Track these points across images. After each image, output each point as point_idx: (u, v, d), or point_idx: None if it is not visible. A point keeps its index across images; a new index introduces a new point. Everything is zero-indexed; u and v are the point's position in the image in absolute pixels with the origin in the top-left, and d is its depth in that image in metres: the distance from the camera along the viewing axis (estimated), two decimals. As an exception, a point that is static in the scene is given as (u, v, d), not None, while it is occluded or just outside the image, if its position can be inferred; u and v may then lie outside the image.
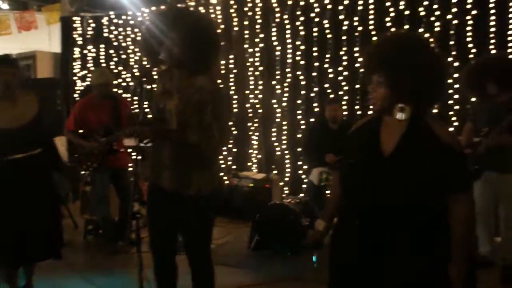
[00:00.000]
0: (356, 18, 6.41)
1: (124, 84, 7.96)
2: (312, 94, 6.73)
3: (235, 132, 7.15)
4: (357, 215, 2.18)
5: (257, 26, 6.93)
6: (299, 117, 6.82)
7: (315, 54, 6.65)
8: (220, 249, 5.11)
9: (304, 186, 6.54)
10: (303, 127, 6.77)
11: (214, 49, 3.01)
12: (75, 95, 8.25)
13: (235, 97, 7.11)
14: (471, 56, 5.94)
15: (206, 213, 3.05)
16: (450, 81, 6.08)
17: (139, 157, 3.30)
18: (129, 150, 5.43)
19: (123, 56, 8.00)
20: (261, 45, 6.92)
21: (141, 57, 7.55)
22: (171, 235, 3.14)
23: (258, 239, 4.91)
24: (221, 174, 6.75)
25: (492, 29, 5.84)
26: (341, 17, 6.46)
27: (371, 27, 6.36)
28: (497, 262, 4.40)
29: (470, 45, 5.96)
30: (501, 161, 4.08)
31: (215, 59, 3.08)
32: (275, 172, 6.85)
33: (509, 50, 5.61)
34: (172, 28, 2.86)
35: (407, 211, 2.06)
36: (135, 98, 7.59)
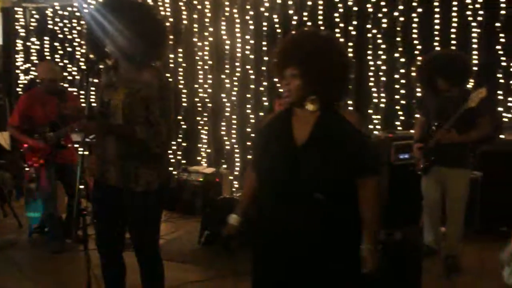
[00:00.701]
0: (305, 13, 6.46)
1: (70, 78, 7.74)
2: (262, 89, 6.74)
3: (184, 127, 7.09)
4: (273, 206, 2.23)
5: (206, 20, 6.86)
6: (248, 111, 6.82)
7: (264, 48, 6.66)
8: (169, 244, 5.06)
9: (254, 180, 6.54)
10: (252, 121, 6.78)
11: (161, 42, 2.96)
12: (18, 89, 7.96)
13: (184, 91, 7.04)
14: (416, 52, 6.10)
15: (153, 210, 3.02)
16: (396, 76, 6.24)
17: (85, 152, 3.22)
18: (76, 145, 5.29)
19: (69, 49, 7.77)
20: (210, 39, 6.87)
21: (87, 50, 7.36)
22: (118, 232, 3.08)
23: (208, 234, 4.88)
24: (170, 169, 6.69)
25: (436, 27, 6.02)
26: (291, 12, 6.49)
27: (320, 22, 6.43)
28: (441, 251, 4.55)
29: (416, 42, 6.13)
30: (449, 156, 4.21)
31: (161, 51, 3.03)
32: (224, 166, 6.84)
33: (452, 47, 5.78)
34: (116, 20, 2.79)
35: (325, 195, 2.13)
36: (82, 92, 7.39)
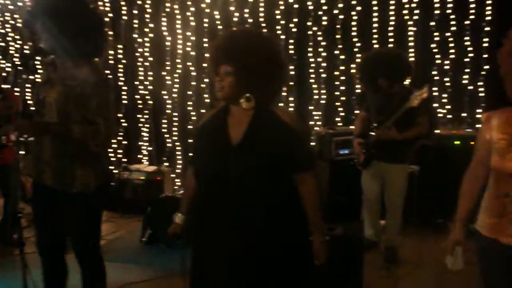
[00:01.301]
0: (246, 10, 6.46)
1: (3, 74, 7.42)
2: (203, 86, 6.71)
3: (124, 124, 6.94)
4: (209, 207, 2.24)
5: (147, 16, 6.75)
6: (189, 108, 6.77)
7: (205, 45, 6.62)
8: (111, 245, 4.95)
9: (196, 178, 6.50)
10: (194, 118, 6.73)
11: (99, 37, 2.88)
12: None
13: (124, 88, 6.90)
14: (356, 49, 6.23)
15: (92, 211, 2.94)
16: (336, 73, 6.35)
17: (22, 152, 3.09)
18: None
19: (2, 44, 7.45)
20: (151, 35, 6.76)
21: (22, 45, 7.07)
22: (58, 234, 2.98)
23: (150, 233, 4.81)
24: (111, 168, 6.54)
25: (375, 25, 6.16)
26: (232, 8, 6.48)
27: (261, 19, 6.45)
28: (381, 244, 4.68)
29: (355, 39, 6.25)
30: (388, 151, 4.33)
31: (100, 47, 2.95)
32: (166, 164, 6.75)
33: (390, 45, 5.93)
34: (52, 15, 2.69)
35: (259, 196, 2.15)
36: (16, 89, 7.10)
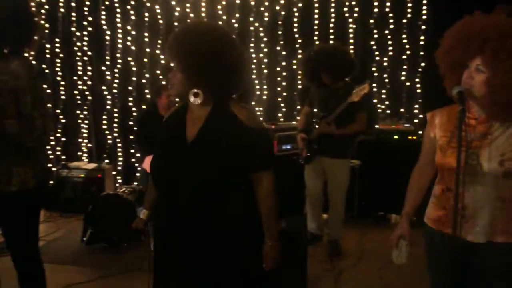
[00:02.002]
0: (188, 5, 6.40)
1: None
2: (144, 81, 6.59)
3: (63, 121, 6.73)
4: (166, 204, 2.21)
5: (85, 8, 6.54)
6: (130, 104, 6.64)
7: (146, 40, 6.51)
8: (50, 245, 4.79)
9: (137, 174, 6.40)
10: (134, 114, 6.60)
11: (29, 29, 2.76)
12: None
13: (62, 83, 6.67)
14: (297, 46, 6.29)
15: (29, 210, 2.81)
16: (278, 69, 6.40)
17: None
18: None
19: None
20: (89, 28, 6.57)
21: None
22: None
23: (92, 232, 4.67)
24: (49, 165, 6.33)
25: (316, 22, 6.24)
26: (173, 3, 6.39)
27: (203, 14, 6.40)
28: (324, 237, 4.78)
29: (296, 36, 6.31)
30: (330, 146, 4.39)
31: (30, 40, 2.82)
32: (107, 161, 6.59)
33: (330, 42, 6.02)
34: None
35: (210, 194, 2.12)
36: None
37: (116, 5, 6.48)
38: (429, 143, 2.24)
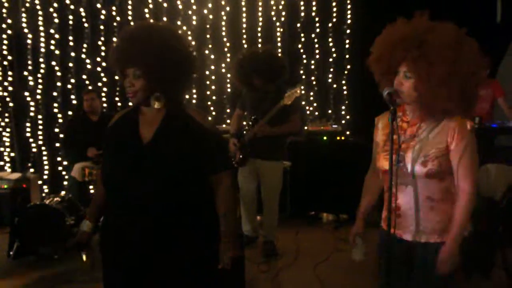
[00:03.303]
0: (114, 8, 6.27)
1: None
2: (69, 86, 6.40)
3: (-18, 129, 6.40)
4: (119, 209, 2.16)
5: (4, 10, 6.25)
6: (55, 110, 6.42)
7: (71, 43, 6.32)
8: (-27, 262, 4.54)
9: (65, 183, 6.19)
10: (60, 121, 6.39)
11: None
12: None
13: (-20, 89, 6.34)
14: (226, 49, 6.33)
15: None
16: (207, 72, 6.40)
17: None
18: None
19: None
20: (9, 31, 6.28)
21: None
22: None
23: (19, 245, 4.47)
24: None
25: (244, 25, 6.30)
26: (98, 6, 6.24)
27: (130, 17, 6.31)
28: (259, 239, 4.81)
29: (225, 39, 6.34)
30: (263, 148, 4.44)
31: None
32: (32, 170, 6.32)
33: (259, 45, 6.10)
34: None
35: (171, 196, 2.11)
36: None
37: (38, 7, 6.25)
38: (374, 148, 2.32)
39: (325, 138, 5.75)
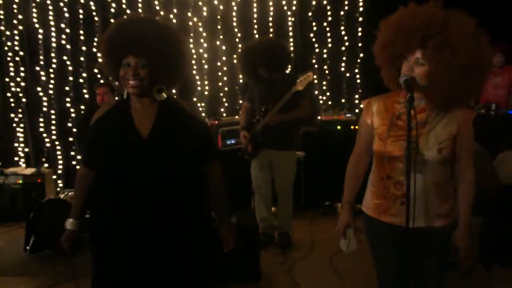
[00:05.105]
0: (124, 1, 6.25)
1: None
2: (81, 80, 6.40)
3: (-4, 125, 6.42)
4: (119, 202, 2.14)
5: (14, 6, 6.27)
6: (68, 105, 6.43)
7: (82, 37, 6.31)
8: (-9, 257, 4.57)
9: (79, 177, 6.20)
10: (73, 115, 6.41)
11: None
12: None
13: (-7, 85, 6.37)
14: (237, 40, 6.28)
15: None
16: (218, 63, 6.36)
17: None
18: None
19: None
20: (20, 27, 6.29)
21: None
22: None
23: (35, 240, 4.50)
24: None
25: (255, 15, 6.24)
26: (109, -1, 6.24)
27: (140, 10, 6.28)
28: (273, 229, 4.77)
29: (236, 30, 6.29)
30: (276, 139, 4.40)
31: None
32: (46, 165, 6.35)
33: (270, 35, 6.05)
34: None
35: (170, 189, 2.12)
36: None
37: (48, 2, 6.24)
38: (365, 131, 2.25)
39: (338, 127, 5.70)
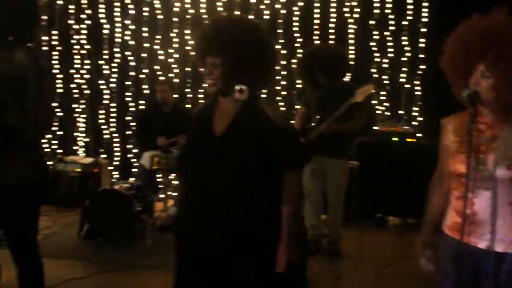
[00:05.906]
0: (188, 0, 6.36)
1: None
2: (142, 76, 6.54)
3: (60, 114, 6.65)
4: (192, 198, 2.18)
5: (84, 1, 6.49)
6: (128, 99, 6.60)
7: (145, 34, 6.46)
8: (47, 240, 4.72)
9: (134, 170, 6.36)
10: (132, 109, 6.57)
11: (32, 21, 2.72)
12: None
13: (59, 76, 6.59)
14: (297, 44, 6.27)
15: (29, 203, 2.77)
16: (277, 67, 6.36)
17: None
18: None
19: None
20: (88, 22, 6.51)
21: None
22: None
23: (88, 227, 4.63)
24: (45, 159, 6.24)
25: (316, 21, 6.22)
26: (173, -2, 6.36)
27: (203, 10, 6.36)
28: (322, 237, 4.73)
29: (296, 35, 6.29)
30: (329, 146, 4.36)
31: (33, 31, 2.78)
32: (103, 156, 6.54)
33: (331, 42, 6.01)
34: None
35: (237, 189, 2.12)
36: None
37: (115, -2, 6.44)
38: (443, 151, 2.19)
39: (395, 139, 5.60)
